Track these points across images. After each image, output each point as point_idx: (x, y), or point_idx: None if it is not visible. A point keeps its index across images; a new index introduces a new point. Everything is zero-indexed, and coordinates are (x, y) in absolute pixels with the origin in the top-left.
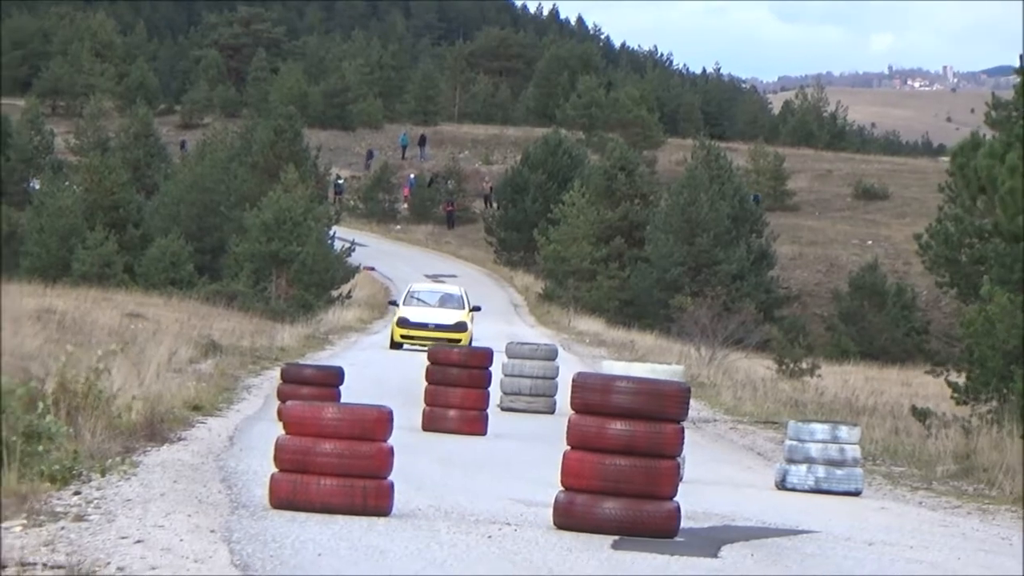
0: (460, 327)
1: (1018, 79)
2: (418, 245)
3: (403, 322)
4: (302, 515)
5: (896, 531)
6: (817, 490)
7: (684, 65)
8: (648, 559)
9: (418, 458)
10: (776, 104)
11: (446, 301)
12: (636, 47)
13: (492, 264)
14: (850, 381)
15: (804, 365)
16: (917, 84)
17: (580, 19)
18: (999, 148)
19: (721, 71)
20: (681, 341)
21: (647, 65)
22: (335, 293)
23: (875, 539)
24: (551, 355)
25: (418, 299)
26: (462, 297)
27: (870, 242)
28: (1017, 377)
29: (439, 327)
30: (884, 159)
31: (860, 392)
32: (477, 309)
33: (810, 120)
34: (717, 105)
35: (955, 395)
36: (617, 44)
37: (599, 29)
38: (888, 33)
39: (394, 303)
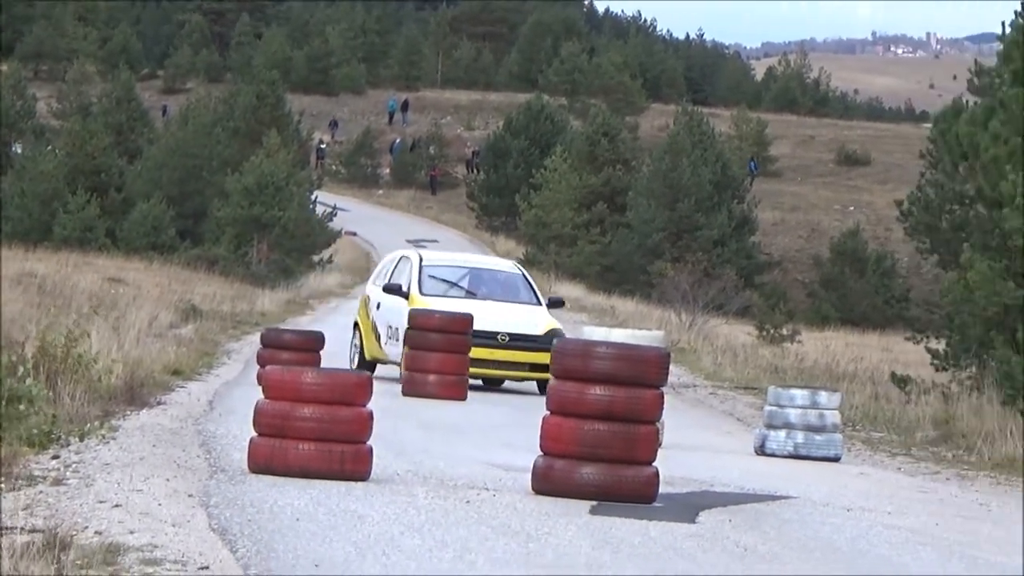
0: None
1: (1000, 46)
2: (400, 210)
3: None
4: (280, 479)
5: (875, 497)
6: (796, 456)
7: (667, 31)
8: (626, 524)
9: (397, 423)
10: (759, 70)
11: (507, 290)
12: (619, 12)
13: (474, 229)
14: (830, 347)
15: (784, 331)
16: (900, 51)
17: None
18: (981, 115)
19: (704, 37)
20: (662, 307)
21: (630, 31)
22: (316, 258)
23: (854, 505)
24: None
25: (445, 281)
26: (526, 280)
27: (852, 208)
28: (997, 344)
29: (517, 341)
30: (867, 125)
31: (840, 358)
32: (558, 304)
33: (793, 86)
34: (700, 71)
35: (935, 361)
36: (600, 9)
37: None
38: None
39: (395, 289)
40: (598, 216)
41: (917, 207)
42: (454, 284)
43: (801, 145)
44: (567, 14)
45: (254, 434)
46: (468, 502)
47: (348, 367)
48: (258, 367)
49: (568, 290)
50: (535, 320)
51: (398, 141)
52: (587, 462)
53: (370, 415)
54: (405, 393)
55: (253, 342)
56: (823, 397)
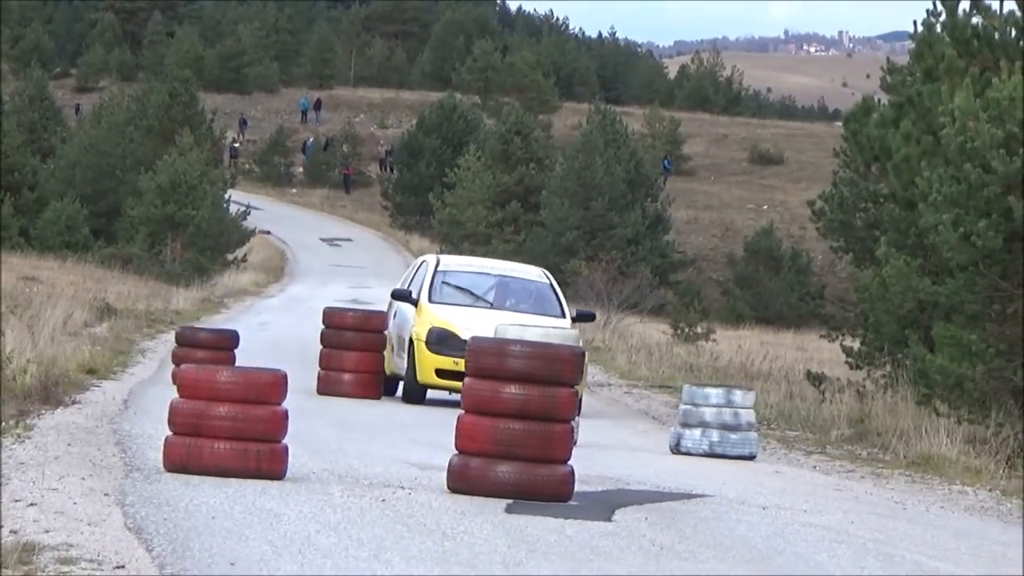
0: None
1: (912, 44)
2: (314, 209)
3: (443, 341)
4: (196, 478)
5: (790, 495)
6: (711, 454)
7: (580, 29)
8: (542, 522)
9: (313, 422)
10: (672, 69)
11: (531, 300)
12: (532, 11)
13: (388, 228)
14: (745, 346)
15: (699, 329)
16: (813, 49)
17: None
18: (892, 114)
19: (617, 35)
20: (577, 305)
21: (542, 29)
22: (230, 257)
23: (769, 503)
24: None
25: (462, 289)
26: (553, 291)
27: (765, 207)
28: (911, 341)
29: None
30: (780, 124)
31: (755, 357)
32: (588, 318)
33: (706, 85)
34: (613, 69)
35: (849, 360)
36: (513, 8)
37: None
38: None
39: (405, 296)
40: (512, 215)
41: (830, 205)
42: (472, 292)
43: (714, 144)
44: (479, 13)
45: (169, 433)
46: (384, 500)
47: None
48: (173, 366)
49: None
50: (553, 336)
51: (311, 140)
52: (503, 460)
53: (285, 414)
54: (320, 392)
55: (168, 341)
56: (738, 396)
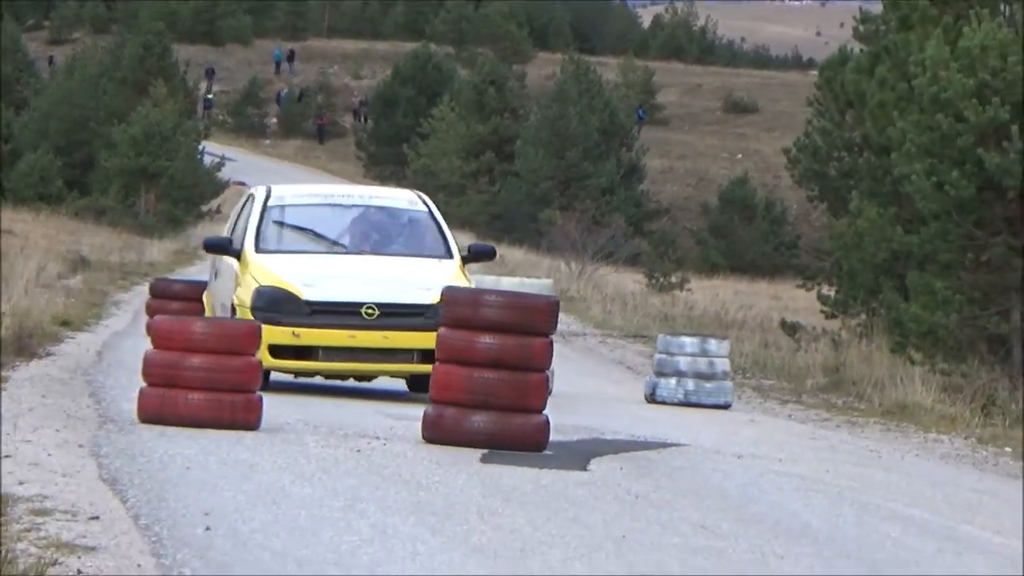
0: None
1: None
2: (288, 160)
3: (276, 306)
4: (170, 429)
5: (765, 444)
6: (686, 403)
7: None
8: (517, 472)
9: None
10: (646, 18)
11: (400, 237)
12: None
13: (362, 179)
14: (720, 295)
15: (674, 279)
16: None
17: None
18: (867, 62)
19: None
20: (551, 255)
21: None
22: (205, 208)
23: (744, 452)
24: None
25: (303, 229)
26: (433, 221)
27: (740, 156)
28: (885, 290)
29: (392, 316)
30: (754, 73)
31: (730, 306)
32: (486, 254)
33: (680, 34)
34: (586, 20)
35: (824, 309)
36: None
37: None
38: None
39: (221, 246)
40: (486, 165)
41: (805, 154)
42: (318, 233)
43: (688, 93)
44: None
45: (143, 384)
46: (359, 451)
47: None
48: (147, 317)
49: (457, 239)
50: (430, 281)
51: (285, 91)
52: (477, 410)
53: (259, 364)
54: None
55: (142, 292)
56: (713, 345)
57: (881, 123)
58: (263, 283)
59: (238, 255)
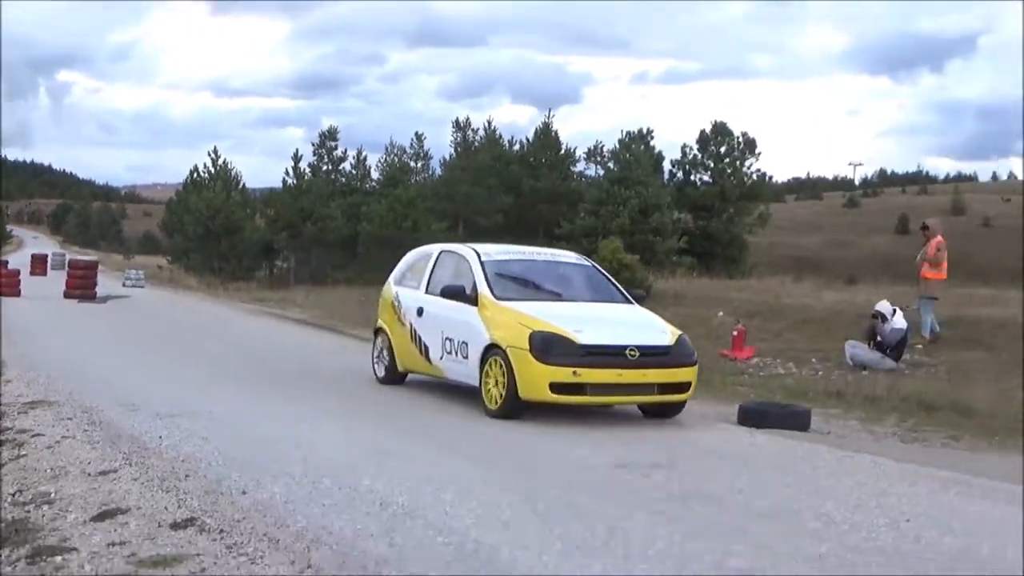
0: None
1: None
2: None
3: (551, 348)
4: None
5: None
6: None
7: None
8: None
9: None
10: None
11: (590, 287)
12: None
13: None
14: None
15: None
16: None
17: None
18: None
19: None
20: None
21: None
22: None
23: None
24: None
25: (515, 279)
26: (600, 272)
27: None
28: None
29: (647, 356)
30: None
31: None
32: (642, 299)
33: None
34: None
35: None
36: None
37: None
38: None
39: (456, 293)
40: None
41: None
42: (534, 283)
43: None
44: None
45: None
46: None
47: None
48: None
49: None
50: (654, 325)
51: None
52: None
53: None
54: None
55: None
56: None
57: None
58: (535, 328)
59: (474, 301)
